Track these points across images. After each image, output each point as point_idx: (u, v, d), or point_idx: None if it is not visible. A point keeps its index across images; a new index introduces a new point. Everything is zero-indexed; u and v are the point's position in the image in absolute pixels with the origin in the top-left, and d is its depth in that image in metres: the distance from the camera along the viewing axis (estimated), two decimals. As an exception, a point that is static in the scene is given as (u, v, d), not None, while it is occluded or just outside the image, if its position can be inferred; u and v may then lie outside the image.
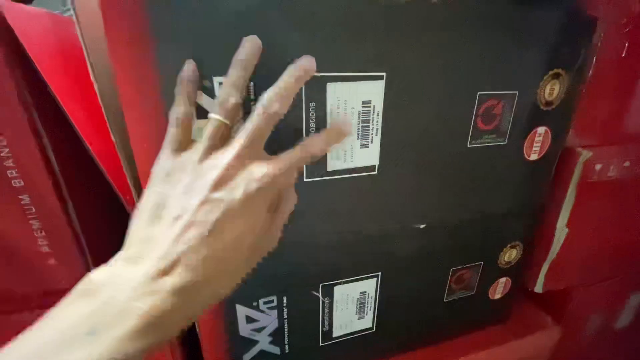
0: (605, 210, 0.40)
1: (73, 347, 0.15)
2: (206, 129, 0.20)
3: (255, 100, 0.21)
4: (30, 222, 0.22)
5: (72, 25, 0.26)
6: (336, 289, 0.33)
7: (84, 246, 0.24)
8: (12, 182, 0.21)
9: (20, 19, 0.19)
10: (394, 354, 0.40)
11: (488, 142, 0.31)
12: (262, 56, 0.21)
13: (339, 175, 0.27)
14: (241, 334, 0.31)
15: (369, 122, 0.26)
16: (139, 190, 0.23)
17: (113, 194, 0.24)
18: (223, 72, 0.22)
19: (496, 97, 0.29)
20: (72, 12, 0.18)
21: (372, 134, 0.27)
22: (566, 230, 0.39)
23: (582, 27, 0.30)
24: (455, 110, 0.28)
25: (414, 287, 0.36)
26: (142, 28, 0.19)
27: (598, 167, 0.36)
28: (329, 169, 0.27)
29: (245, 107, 0.22)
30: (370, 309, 0.35)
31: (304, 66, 0.21)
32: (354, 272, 0.33)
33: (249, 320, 0.31)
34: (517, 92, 0.30)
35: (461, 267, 0.37)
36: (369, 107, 0.26)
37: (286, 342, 0.33)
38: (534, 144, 0.33)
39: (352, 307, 0.34)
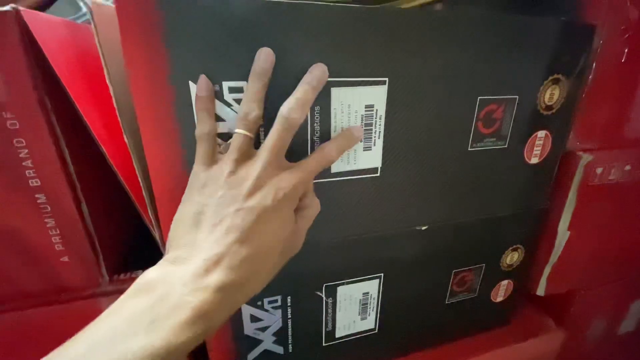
0: (607, 213, 0.40)
1: (138, 334, 0.16)
2: (232, 143, 0.22)
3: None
4: (46, 220, 0.23)
5: (87, 32, 0.27)
6: (339, 289, 0.33)
7: (96, 244, 0.25)
8: (30, 181, 0.22)
9: (42, 27, 0.20)
10: (396, 355, 0.40)
11: (489, 146, 0.31)
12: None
13: (343, 177, 0.28)
14: (246, 332, 0.32)
15: (371, 126, 0.27)
16: (150, 190, 0.23)
17: (124, 195, 0.25)
18: (231, 77, 0.23)
19: (497, 102, 0.30)
20: (90, 20, 0.19)
21: (374, 137, 0.28)
22: (568, 233, 0.39)
23: (581, 33, 0.31)
24: (456, 114, 0.29)
25: (416, 289, 0.37)
26: (156, 36, 0.20)
27: (599, 170, 0.37)
28: (333, 170, 0.28)
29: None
30: (372, 310, 0.36)
31: (318, 76, 0.23)
32: (356, 273, 0.33)
33: (254, 319, 0.31)
34: (517, 96, 0.30)
35: (463, 269, 0.38)
36: (372, 110, 0.27)
37: (290, 342, 0.34)
38: (535, 148, 0.33)
39: (354, 307, 0.35)
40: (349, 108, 0.26)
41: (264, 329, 0.32)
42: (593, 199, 0.38)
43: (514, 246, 0.39)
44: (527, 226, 0.38)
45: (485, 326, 0.44)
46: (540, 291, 0.43)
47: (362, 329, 0.37)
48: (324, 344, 0.35)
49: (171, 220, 0.22)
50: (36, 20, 0.20)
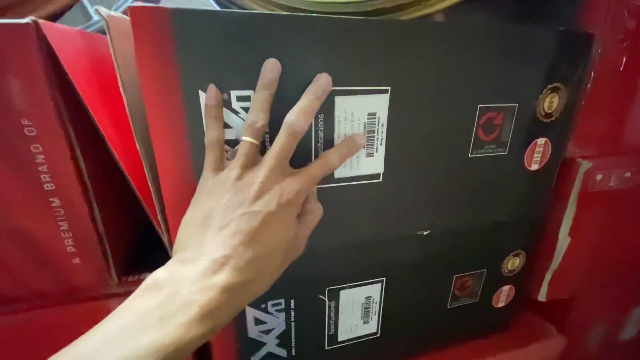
0: (608, 219, 0.41)
1: (149, 330, 0.17)
2: (239, 150, 0.23)
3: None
4: (59, 223, 0.24)
5: (100, 41, 0.28)
6: (342, 293, 0.34)
7: (106, 247, 0.26)
8: (45, 185, 0.23)
9: (58, 38, 0.21)
10: (398, 359, 0.40)
11: (489, 152, 0.32)
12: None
13: (346, 182, 0.29)
14: (250, 335, 0.32)
15: (374, 133, 0.28)
16: (159, 194, 0.24)
17: (133, 198, 0.26)
18: (239, 86, 0.23)
19: (496, 110, 0.30)
20: (106, 31, 0.20)
21: (377, 143, 0.28)
22: (568, 239, 0.39)
23: (580, 42, 0.31)
24: (456, 121, 0.30)
25: (417, 293, 0.37)
26: (168, 47, 0.21)
27: (599, 177, 0.37)
28: (336, 176, 0.28)
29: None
30: (374, 314, 0.36)
31: (322, 85, 0.24)
32: (359, 277, 0.34)
33: (258, 322, 0.32)
34: (517, 104, 0.31)
35: (464, 274, 0.38)
36: (374, 118, 0.27)
37: (293, 345, 0.34)
38: (535, 154, 0.34)
39: (357, 311, 0.35)
40: (352, 116, 0.27)
41: (267, 332, 0.33)
42: (593, 205, 0.38)
43: (515, 251, 0.39)
44: (527, 232, 0.39)
45: (487, 331, 0.44)
46: (542, 297, 0.43)
47: (364, 333, 0.37)
48: (326, 348, 0.36)
49: (179, 223, 0.23)
50: (53, 31, 0.21)
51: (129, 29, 0.20)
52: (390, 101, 0.27)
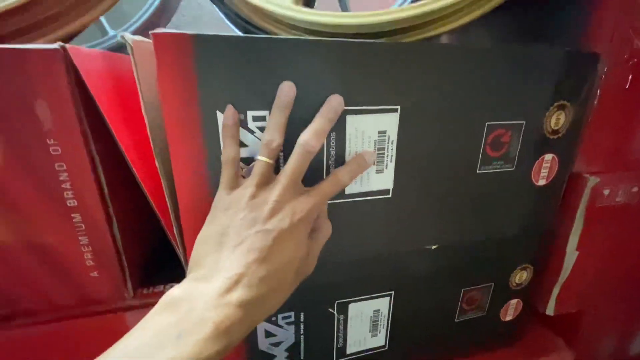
0: (615, 234, 0.41)
1: (166, 347, 0.18)
2: (254, 169, 0.23)
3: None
4: (79, 238, 0.25)
5: (119, 61, 0.29)
6: (351, 306, 0.34)
7: (123, 261, 0.26)
8: (67, 202, 0.23)
9: (83, 60, 0.22)
10: (405, 372, 0.40)
11: (497, 168, 0.32)
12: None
13: (356, 198, 0.29)
14: (260, 347, 0.33)
15: (384, 150, 0.28)
16: (176, 211, 0.25)
17: (150, 215, 0.27)
18: (255, 107, 0.24)
19: (504, 127, 0.31)
20: (131, 58, 0.21)
21: (387, 160, 0.29)
22: (576, 253, 0.39)
23: (585, 62, 0.32)
24: (465, 138, 0.30)
25: (426, 307, 0.37)
26: (188, 70, 0.22)
27: (606, 192, 0.38)
28: (347, 192, 0.29)
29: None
30: (383, 327, 0.37)
31: (334, 107, 0.25)
32: (368, 290, 0.34)
33: (268, 334, 0.32)
34: (524, 122, 0.31)
35: (472, 287, 0.38)
36: (385, 136, 0.28)
37: (302, 357, 0.35)
38: (542, 170, 0.34)
39: (365, 324, 0.36)
40: (363, 134, 0.27)
41: (277, 344, 0.33)
42: (601, 220, 0.39)
43: (523, 265, 0.39)
44: (535, 246, 0.39)
45: (495, 345, 0.44)
46: (550, 310, 0.43)
47: (373, 346, 0.37)
48: (335, 360, 0.36)
49: (194, 238, 0.23)
50: (78, 54, 0.22)
51: (150, 51, 0.21)
52: (400, 120, 0.28)
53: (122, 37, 0.21)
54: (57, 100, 0.21)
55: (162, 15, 0.49)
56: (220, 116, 0.24)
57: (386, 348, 0.38)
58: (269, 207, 0.22)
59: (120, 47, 0.49)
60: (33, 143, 0.22)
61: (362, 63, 0.25)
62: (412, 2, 0.45)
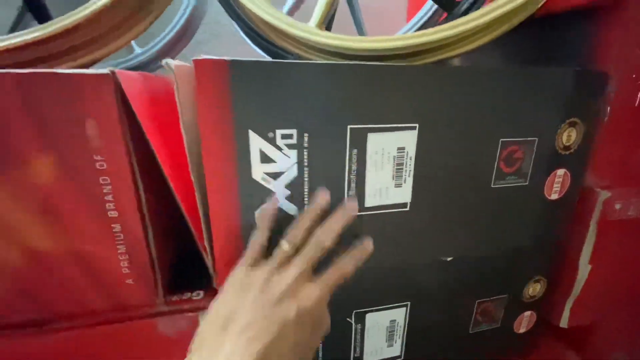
0: (628, 247, 0.41)
1: None
2: (276, 253, 0.26)
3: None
4: (118, 247, 0.26)
5: (154, 82, 0.31)
6: (368, 316, 0.35)
7: (156, 268, 0.28)
8: (109, 213, 0.25)
9: (127, 82, 0.24)
10: (420, 383, 0.41)
11: (511, 183, 0.34)
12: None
13: (375, 210, 0.31)
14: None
15: (402, 165, 0.30)
16: (208, 224, 0.27)
17: (179, 226, 0.29)
18: (283, 125, 0.26)
19: (517, 143, 0.32)
20: (174, 82, 0.23)
21: (405, 175, 0.30)
22: (589, 266, 0.40)
23: (595, 81, 0.33)
24: (479, 154, 0.32)
25: (440, 318, 0.38)
26: (225, 91, 0.24)
27: (617, 206, 0.38)
28: (367, 205, 0.30)
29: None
30: (399, 337, 0.37)
31: (349, 210, 0.28)
32: (385, 301, 0.35)
33: (288, 342, 0.33)
34: (536, 138, 0.33)
35: (486, 299, 0.39)
36: (403, 152, 0.29)
37: (320, 366, 0.35)
38: (554, 185, 0.35)
39: (382, 334, 0.36)
40: (382, 150, 0.29)
41: (297, 352, 0.34)
42: (613, 234, 0.39)
43: (536, 278, 0.40)
44: (548, 258, 0.40)
45: (508, 357, 0.44)
46: (563, 323, 0.43)
47: (389, 356, 0.38)
48: (351, 370, 0.37)
49: (224, 250, 0.25)
50: (124, 76, 0.24)
51: (187, 75, 0.23)
52: (418, 137, 0.29)
53: (166, 63, 0.23)
54: (106, 120, 0.23)
55: (184, 35, 0.51)
56: (252, 135, 0.25)
57: (402, 358, 0.38)
58: (280, 292, 0.24)
59: (146, 65, 0.51)
60: (81, 158, 0.24)
61: (384, 85, 0.27)
62: (419, 29, 0.47)
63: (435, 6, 0.46)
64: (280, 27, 0.28)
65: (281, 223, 0.28)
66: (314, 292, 0.25)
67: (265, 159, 0.26)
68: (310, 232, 0.27)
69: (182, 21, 0.49)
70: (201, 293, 0.31)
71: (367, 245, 0.29)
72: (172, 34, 0.50)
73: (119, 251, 0.26)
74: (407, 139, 0.29)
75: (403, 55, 0.32)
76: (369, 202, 0.30)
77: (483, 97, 0.30)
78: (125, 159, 0.24)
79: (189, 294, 0.31)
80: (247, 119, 0.25)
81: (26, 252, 0.25)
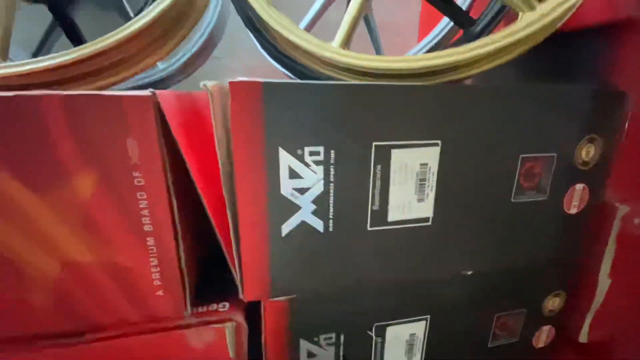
0: (648, 262, 0.41)
1: None
2: None
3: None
4: (151, 259, 0.27)
5: (185, 99, 0.32)
6: (388, 329, 0.35)
7: (185, 280, 0.29)
8: (144, 227, 0.26)
9: (165, 101, 0.26)
10: (439, 397, 0.41)
11: (530, 198, 0.34)
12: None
13: (398, 225, 0.31)
14: (302, 367, 0.34)
15: (425, 181, 0.31)
16: (237, 238, 0.28)
17: (206, 239, 0.29)
18: (311, 143, 0.27)
19: (537, 159, 0.33)
20: (210, 102, 0.24)
21: (427, 190, 0.31)
22: (609, 281, 0.40)
23: (612, 99, 0.34)
24: (500, 170, 0.32)
25: (460, 331, 0.38)
26: (258, 111, 0.25)
27: (637, 221, 0.38)
28: (389, 219, 0.31)
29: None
30: (418, 351, 0.37)
31: None
32: (405, 314, 0.35)
33: (310, 354, 0.34)
34: (555, 154, 0.33)
35: (505, 313, 0.39)
36: (426, 168, 0.30)
37: (340, 378, 0.36)
38: (573, 200, 0.36)
39: (401, 348, 0.37)
40: (406, 166, 0.30)
41: (318, 365, 0.34)
42: (632, 248, 0.39)
43: (556, 292, 0.40)
44: (567, 273, 0.40)
45: (528, 372, 0.44)
46: (583, 338, 0.43)
47: (408, 369, 0.38)
48: (371, 382, 0.37)
49: (252, 265, 0.26)
50: (162, 96, 0.25)
51: (221, 95, 0.25)
52: (440, 153, 0.30)
53: (204, 85, 0.24)
54: (145, 139, 0.24)
55: (203, 52, 0.53)
56: (282, 151, 0.26)
57: (421, 372, 0.38)
58: None
59: (166, 80, 0.53)
60: (121, 175, 0.25)
61: (408, 104, 0.28)
62: (433, 46, 0.48)
63: (451, 23, 0.47)
64: (310, 50, 0.29)
65: (307, 237, 0.29)
66: None
67: (294, 174, 0.27)
68: None
69: (201, 40, 0.51)
70: (227, 305, 0.31)
71: None
72: (192, 52, 0.52)
73: (151, 264, 0.27)
74: (430, 155, 0.30)
75: (422, 74, 0.33)
76: (392, 216, 0.31)
77: (504, 114, 0.31)
78: (162, 176, 0.25)
79: (215, 306, 0.31)
80: (277, 137, 0.26)
81: (66, 264, 0.26)
